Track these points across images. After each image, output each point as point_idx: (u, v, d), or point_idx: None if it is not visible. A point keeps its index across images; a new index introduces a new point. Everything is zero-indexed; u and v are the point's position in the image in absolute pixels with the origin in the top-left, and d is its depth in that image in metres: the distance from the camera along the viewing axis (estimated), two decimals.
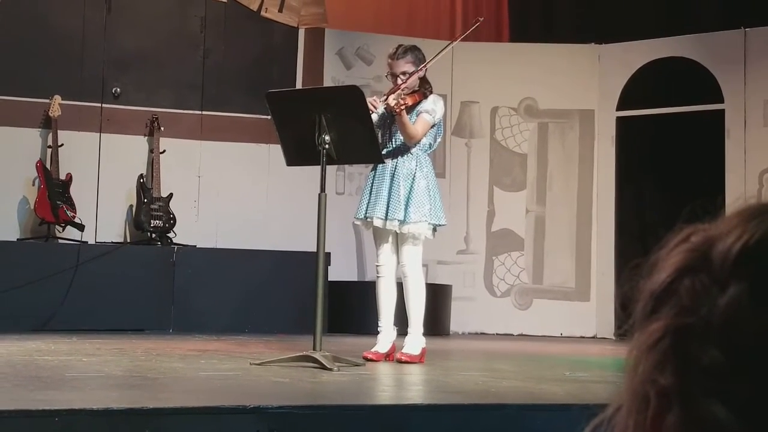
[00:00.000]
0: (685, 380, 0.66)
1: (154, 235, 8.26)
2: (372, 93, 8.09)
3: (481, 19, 5.69)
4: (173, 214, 8.35)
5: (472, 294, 9.22)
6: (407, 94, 5.54)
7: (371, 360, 5.43)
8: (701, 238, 0.71)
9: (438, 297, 8.28)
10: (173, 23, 8.88)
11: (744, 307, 0.65)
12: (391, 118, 5.57)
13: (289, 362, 4.89)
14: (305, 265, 7.07)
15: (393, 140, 5.62)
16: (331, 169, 7.09)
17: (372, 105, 5.33)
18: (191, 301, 7.96)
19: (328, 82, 8.90)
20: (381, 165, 5.56)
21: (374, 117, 5.41)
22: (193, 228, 8.55)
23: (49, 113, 8.12)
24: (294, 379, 4.27)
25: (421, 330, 5.60)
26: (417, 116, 5.58)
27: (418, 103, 5.60)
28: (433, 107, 5.60)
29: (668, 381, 0.67)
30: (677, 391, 0.66)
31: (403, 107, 5.43)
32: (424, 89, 5.65)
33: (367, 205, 5.61)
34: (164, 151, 8.43)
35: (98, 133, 8.42)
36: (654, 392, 0.67)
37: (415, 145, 5.59)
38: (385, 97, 5.49)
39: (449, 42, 6.06)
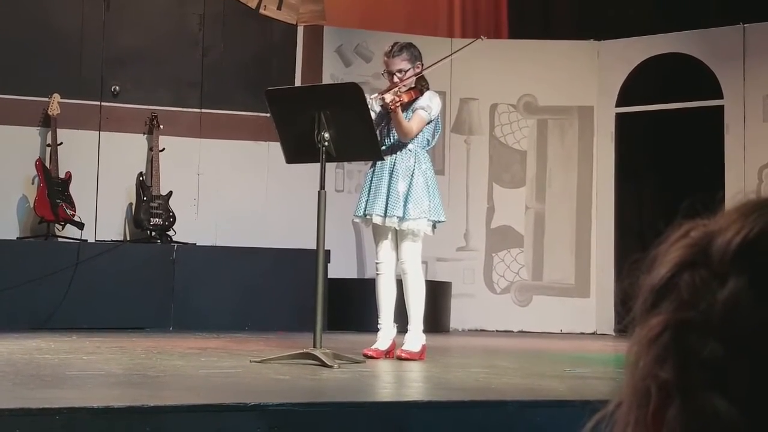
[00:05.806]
0: (686, 374, 0.66)
1: (153, 233, 8.25)
2: (371, 90, 8.07)
3: (484, 38, 5.77)
4: (173, 212, 8.34)
5: (471, 291, 9.22)
6: (404, 92, 5.55)
7: (371, 357, 5.43)
8: (701, 233, 0.71)
9: (438, 294, 8.28)
10: (172, 21, 8.87)
11: (743, 301, 0.66)
12: (388, 115, 5.58)
13: (289, 360, 4.90)
14: (305, 263, 7.07)
15: (391, 137, 5.62)
16: (330, 167, 7.09)
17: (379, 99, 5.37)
18: (191, 299, 7.96)
19: (327, 80, 8.89)
20: (380, 162, 5.56)
21: (372, 114, 5.41)
22: (193, 226, 8.55)
23: (48, 112, 8.12)
24: (294, 377, 4.27)
25: (421, 327, 5.60)
26: (413, 113, 5.59)
27: (415, 100, 5.60)
28: (428, 104, 5.60)
29: (669, 375, 0.67)
30: (678, 385, 0.66)
31: (398, 104, 5.44)
32: (420, 86, 5.66)
33: (366, 203, 5.61)
34: (163, 149, 8.43)
35: (97, 132, 8.41)
36: (655, 386, 0.67)
37: (411, 141, 5.59)
38: (381, 95, 5.49)
39: (448, 55, 6.13)
